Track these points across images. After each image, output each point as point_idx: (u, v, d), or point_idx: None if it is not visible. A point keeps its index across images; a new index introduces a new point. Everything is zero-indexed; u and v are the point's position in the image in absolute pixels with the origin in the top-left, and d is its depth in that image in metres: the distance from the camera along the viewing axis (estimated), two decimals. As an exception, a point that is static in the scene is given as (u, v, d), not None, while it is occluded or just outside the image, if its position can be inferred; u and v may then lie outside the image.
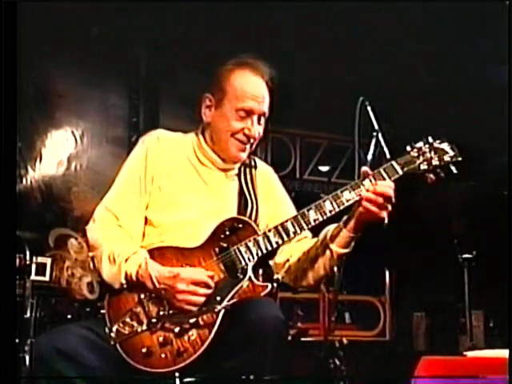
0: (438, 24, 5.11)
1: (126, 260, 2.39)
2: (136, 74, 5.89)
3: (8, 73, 2.21)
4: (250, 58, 2.64)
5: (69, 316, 4.50)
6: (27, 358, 3.19)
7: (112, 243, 2.45)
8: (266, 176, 2.76)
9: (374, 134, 2.70)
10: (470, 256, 5.02)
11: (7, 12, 2.24)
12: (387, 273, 6.49)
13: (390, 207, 2.37)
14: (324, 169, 6.60)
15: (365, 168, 2.43)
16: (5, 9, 2.24)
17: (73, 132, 5.60)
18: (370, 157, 2.60)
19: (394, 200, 2.38)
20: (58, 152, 5.52)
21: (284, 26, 5.28)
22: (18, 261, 3.82)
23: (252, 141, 2.60)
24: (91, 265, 2.61)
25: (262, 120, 2.61)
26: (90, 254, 2.53)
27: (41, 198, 5.39)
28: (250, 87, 2.58)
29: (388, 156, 2.77)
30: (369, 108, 2.68)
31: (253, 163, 2.73)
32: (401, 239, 5.93)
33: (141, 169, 2.58)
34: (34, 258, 4.18)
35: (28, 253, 3.87)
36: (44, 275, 4.57)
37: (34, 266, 4.14)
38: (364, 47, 5.39)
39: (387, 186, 2.37)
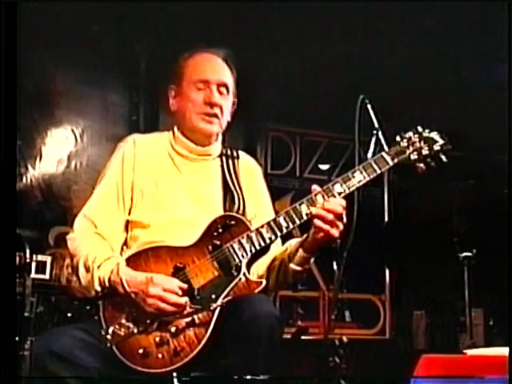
0: (438, 23, 5.11)
1: (99, 267, 2.39)
2: (136, 73, 5.89)
3: (8, 72, 2.22)
4: (205, 45, 2.71)
5: (69, 314, 4.49)
6: (27, 356, 3.19)
7: (88, 251, 2.44)
8: (248, 166, 2.74)
9: (374, 132, 2.69)
10: (470, 254, 5.02)
11: (7, 12, 2.24)
12: (387, 271, 6.50)
13: (341, 225, 2.35)
14: (324, 167, 6.59)
15: (314, 186, 2.40)
16: (5, 9, 2.24)
17: (73, 130, 5.59)
18: (370, 155, 2.58)
19: (344, 219, 2.36)
20: (58, 150, 5.51)
21: (284, 26, 5.28)
22: (18, 259, 3.82)
23: (216, 110, 2.58)
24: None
25: (224, 90, 2.62)
26: (70, 262, 2.53)
27: (41, 197, 5.39)
28: (205, 61, 2.65)
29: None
30: (369, 106, 2.67)
31: (235, 154, 2.71)
32: (401, 238, 5.94)
33: (118, 174, 2.58)
34: (34, 256, 4.18)
35: (28, 251, 3.87)
36: (44, 273, 4.57)
37: (34, 264, 4.14)
38: (364, 46, 5.39)
39: (337, 204, 2.34)
